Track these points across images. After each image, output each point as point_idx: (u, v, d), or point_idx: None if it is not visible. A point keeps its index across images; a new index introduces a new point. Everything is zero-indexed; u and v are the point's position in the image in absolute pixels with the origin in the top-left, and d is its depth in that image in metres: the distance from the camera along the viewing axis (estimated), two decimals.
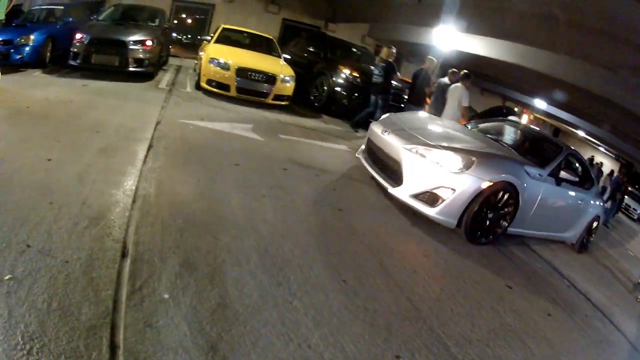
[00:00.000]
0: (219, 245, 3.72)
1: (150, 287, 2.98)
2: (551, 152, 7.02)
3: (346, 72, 12.29)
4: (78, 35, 10.56)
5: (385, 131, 6.16)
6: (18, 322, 2.41)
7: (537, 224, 6.59)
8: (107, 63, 10.62)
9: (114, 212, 3.85)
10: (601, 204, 8.18)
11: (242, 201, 4.74)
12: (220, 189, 4.94)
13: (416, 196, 5.49)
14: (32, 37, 11.15)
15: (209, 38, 12.71)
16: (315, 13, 23.01)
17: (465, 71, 10.77)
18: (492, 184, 5.35)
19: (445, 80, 11.13)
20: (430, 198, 5.40)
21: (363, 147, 6.92)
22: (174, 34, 22.22)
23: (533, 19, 11.99)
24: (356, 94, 11.88)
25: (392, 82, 11.34)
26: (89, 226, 3.51)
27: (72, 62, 10.59)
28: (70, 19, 13.31)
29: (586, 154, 24.99)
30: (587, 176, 7.80)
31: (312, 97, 12.53)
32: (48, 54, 11.75)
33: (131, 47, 10.62)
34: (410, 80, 12.28)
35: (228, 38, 12.60)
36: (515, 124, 9.40)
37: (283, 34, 22.41)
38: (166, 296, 2.93)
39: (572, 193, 7.04)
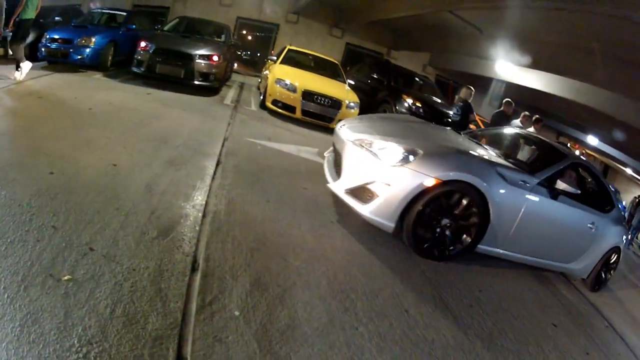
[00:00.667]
0: (290, 267, 3.73)
1: (220, 303, 3.00)
2: (550, 159, 5.92)
3: (409, 101, 12.21)
4: (143, 44, 10.73)
5: (343, 125, 5.70)
6: (75, 324, 2.40)
7: (523, 246, 5.41)
8: (171, 74, 10.69)
9: (184, 225, 3.86)
10: (623, 232, 6.85)
11: (311, 226, 4.68)
12: (290, 212, 4.86)
13: (351, 191, 4.76)
14: (93, 39, 11.45)
15: (274, 58, 12.77)
16: (378, 39, 23.45)
17: (537, 116, 10.98)
18: (438, 182, 4.41)
19: (518, 122, 10.95)
20: (364, 194, 4.64)
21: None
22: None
23: (591, 57, 12.12)
24: None
25: (469, 121, 11.42)
26: (158, 237, 3.53)
27: (135, 70, 10.78)
28: (134, 26, 13.55)
29: (634, 193, 23.96)
30: (603, 195, 6.61)
31: None
32: (110, 58, 11.93)
33: (197, 60, 10.73)
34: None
35: (293, 59, 12.68)
36: (517, 131, 7.99)
37: (346, 58, 22.44)
38: (237, 313, 2.94)
39: (579, 212, 5.73)
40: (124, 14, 14.69)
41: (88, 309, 2.52)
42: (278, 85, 10.26)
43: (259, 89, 13.82)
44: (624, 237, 6.94)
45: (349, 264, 4.16)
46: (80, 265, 2.88)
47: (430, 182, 4.37)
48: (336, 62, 13.72)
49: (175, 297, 2.87)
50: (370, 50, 23.56)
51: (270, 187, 5.34)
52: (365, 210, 4.56)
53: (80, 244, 3.11)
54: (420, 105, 11.92)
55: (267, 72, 12.21)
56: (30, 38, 10.11)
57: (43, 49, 11.49)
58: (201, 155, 5.83)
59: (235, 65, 16.83)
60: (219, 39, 12.98)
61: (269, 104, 10.46)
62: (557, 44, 13.44)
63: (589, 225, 5.91)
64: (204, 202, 4.42)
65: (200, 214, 4.13)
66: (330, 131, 9.57)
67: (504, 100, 11.35)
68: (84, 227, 3.35)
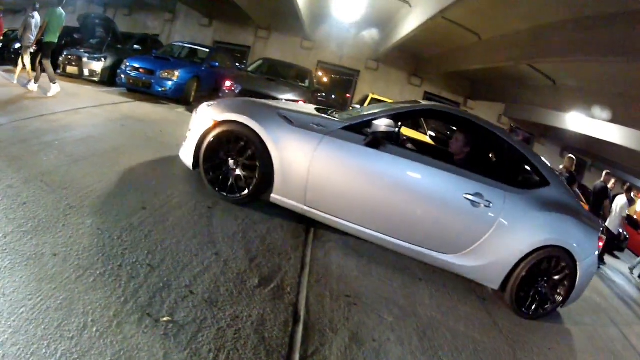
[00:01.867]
0: (384, 323, 3.84)
1: (321, 355, 3.11)
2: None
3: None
4: (228, 83, 10.99)
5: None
6: None
7: (344, 209, 4.81)
8: None
9: (284, 276, 3.96)
10: (579, 230, 4.91)
11: (402, 282, 4.78)
12: (382, 268, 4.94)
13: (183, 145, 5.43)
14: (176, 73, 12.01)
15: (357, 107, 12.78)
16: (455, 89, 23.91)
17: (629, 184, 11.97)
18: (215, 122, 4.86)
19: (601, 182, 11.54)
20: (184, 141, 5.40)
21: None
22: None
23: None
24: None
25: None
26: (260, 286, 3.64)
27: None
28: (217, 63, 13.93)
29: None
30: (518, 164, 5.38)
31: None
32: (193, 93, 12.19)
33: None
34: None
35: None
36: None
37: None
38: None
39: (439, 174, 4.68)
40: (207, 50, 15.34)
41: (190, 353, 2.60)
42: None
43: None
44: (587, 238, 4.92)
45: (436, 321, 4.24)
46: (180, 308, 2.97)
47: (209, 123, 4.90)
48: None
49: (278, 347, 2.97)
50: (447, 100, 23.63)
51: (362, 243, 5.26)
52: (180, 153, 5.43)
53: (179, 286, 3.22)
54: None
55: None
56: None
57: (123, 76, 12.15)
58: None
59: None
60: (302, 84, 13.21)
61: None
62: (630, 96, 13.58)
63: (466, 196, 4.60)
64: (301, 254, 4.49)
65: (299, 265, 4.23)
66: None
67: (567, 156, 11.60)
68: (182, 269, 3.47)
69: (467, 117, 5.35)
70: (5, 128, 6.33)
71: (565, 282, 4.93)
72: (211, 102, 5.36)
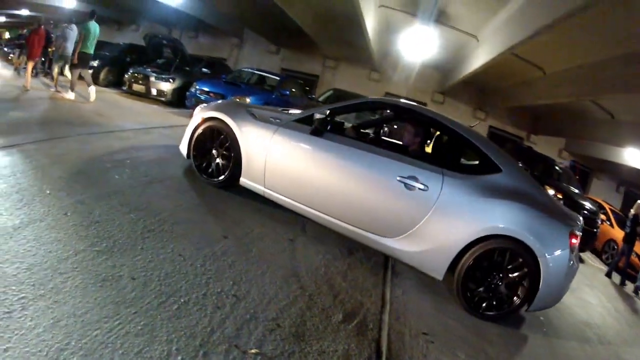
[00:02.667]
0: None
1: None
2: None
3: (551, 193, 11.69)
4: None
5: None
6: None
7: (293, 191, 5.24)
8: None
9: (367, 312, 3.97)
10: (535, 218, 4.51)
11: (473, 321, 4.63)
12: (454, 307, 4.82)
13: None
14: (247, 99, 12.15)
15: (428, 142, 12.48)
16: (518, 123, 23.79)
17: None
18: (202, 119, 5.87)
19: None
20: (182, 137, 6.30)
21: None
22: None
23: None
24: None
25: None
26: (344, 321, 3.66)
27: None
28: (287, 92, 13.96)
29: None
30: (460, 149, 5.31)
31: None
32: None
33: None
34: None
35: None
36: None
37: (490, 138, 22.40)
38: None
39: (372, 158, 4.87)
40: (276, 77, 15.41)
41: None
42: None
43: None
44: (552, 231, 4.53)
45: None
46: (268, 340, 2.98)
47: (199, 120, 5.91)
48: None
49: None
50: (511, 134, 23.38)
51: (437, 281, 5.05)
52: (180, 146, 6.24)
53: (266, 319, 3.23)
54: (561, 197, 11.68)
55: None
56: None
57: (193, 99, 12.29)
58: None
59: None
60: (372, 116, 12.96)
61: None
62: None
63: (400, 179, 4.67)
64: (381, 291, 4.50)
65: (380, 302, 4.25)
66: None
67: (637, 202, 11.80)
68: (269, 301, 3.50)
69: (409, 107, 5.64)
70: (71, 140, 6.56)
71: (525, 281, 4.51)
72: (204, 105, 6.61)
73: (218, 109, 5.85)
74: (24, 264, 3.01)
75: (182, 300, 3.05)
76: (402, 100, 6.03)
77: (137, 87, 14.62)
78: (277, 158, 5.27)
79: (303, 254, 4.67)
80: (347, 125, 6.15)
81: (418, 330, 3.98)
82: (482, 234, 4.44)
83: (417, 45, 14.22)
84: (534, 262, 4.39)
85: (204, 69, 16.87)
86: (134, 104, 12.96)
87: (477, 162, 5.12)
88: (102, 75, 16.65)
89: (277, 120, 5.42)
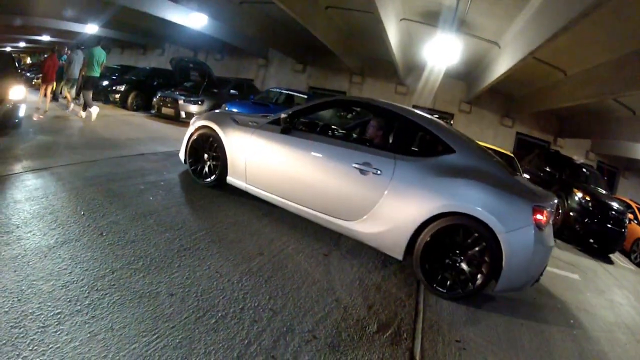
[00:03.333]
0: None
1: None
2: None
3: (579, 195, 12.01)
4: None
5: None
6: None
7: (275, 186, 5.78)
8: None
9: (400, 322, 4.01)
10: (492, 197, 4.53)
11: (505, 327, 4.66)
12: (486, 314, 4.84)
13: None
14: None
15: None
16: (544, 127, 23.35)
17: None
18: (196, 128, 6.65)
19: None
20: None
21: None
22: None
23: None
24: (588, 220, 11.71)
25: None
26: (378, 332, 3.70)
27: None
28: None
29: None
30: (411, 134, 5.59)
31: None
32: None
33: None
34: None
35: None
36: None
37: (517, 147, 22.10)
38: None
39: (334, 149, 5.31)
40: (304, 96, 15.55)
41: None
42: None
43: None
44: (511, 207, 4.51)
45: None
46: (303, 351, 3.04)
47: (194, 127, 6.68)
48: (512, 155, 13.64)
49: None
50: (537, 139, 23.05)
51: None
52: (180, 153, 7.02)
53: (302, 331, 3.30)
54: (589, 199, 12.02)
55: None
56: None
57: None
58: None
59: None
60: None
61: None
62: None
63: (355, 165, 5.04)
64: (414, 301, 4.52)
65: (413, 312, 4.28)
66: None
67: None
68: (304, 314, 3.57)
69: (365, 101, 6.18)
70: (103, 163, 6.79)
71: (486, 258, 4.53)
72: (197, 116, 7.29)
73: (207, 117, 6.67)
74: (59, 281, 3.14)
75: (219, 315, 3.13)
76: (360, 97, 6.71)
77: (166, 110, 14.93)
78: (255, 156, 5.91)
79: (338, 267, 4.76)
80: (320, 123, 6.58)
81: (451, 338, 4.00)
82: (435, 212, 4.57)
83: (441, 55, 14.23)
84: (493, 239, 4.43)
85: (232, 91, 17.09)
86: (163, 126, 13.25)
87: (430, 146, 5.51)
88: (130, 99, 17.16)
89: (254, 124, 6.09)
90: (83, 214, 4.47)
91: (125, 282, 3.29)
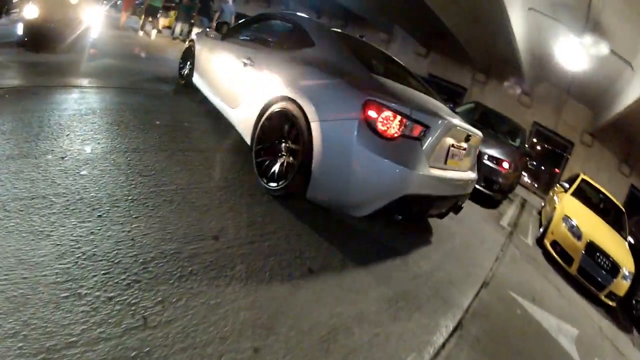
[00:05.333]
0: None
1: None
2: None
3: None
4: None
5: None
6: None
7: (202, 77, 7.37)
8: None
9: None
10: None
11: None
12: None
13: None
14: None
15: (566, 185, 11.61)
16: None
17: None
18: (188, 41, 9.06)
19: None
20: None
21: None
22: None
23: None
24: None
25: None
26: None
27: None
28: None
29: None
30: (295, 32, 5.71)
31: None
32: None
33: (486, 161, 9.70)
34: None
35: (584, 194, 11.78)
36: None
37: (629, 203, 19.73)
38: None
39: (235, 47, 6.30)
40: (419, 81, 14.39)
41: None
42: (564, 224, 9.16)
43: (540, 214, 12.99)
44: (337, 97, 4.16)
45: None
46: None
47: (186, 43, 8.78)
48: (623, 210, 12.20)
49: None
50: None
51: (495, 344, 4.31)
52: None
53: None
54: None
55: (555, 198, 11.51)
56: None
57: None
58: (441, 302, 4.48)
59: (524, 176, 15.86)
60: (512, 142, 11.70)
61: (547, 243, 9.26)
62: None
63: (243, 60, 5.64)
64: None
65: None
66: (593, 300, 8.46)
67: None
68: None
69: (272, 13, 6.78)
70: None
71: (297, 146, 4.22)
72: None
73: (196, 34, 8.32)
74: None
75: None
76: (276, 10, 7.37)
77: None
78: (202, 57, 7.39)
79: None
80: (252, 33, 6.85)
81: None
82: (273, 96, 4.66)
83: (569, 64, 13.20)
84: (308, 128, 4.11)
85: None
86: None
87: (302, 41, 5.30)
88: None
89: (213, 36, 7.31)
90: None
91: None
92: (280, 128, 4.50)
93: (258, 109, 4.87)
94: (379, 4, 19.90)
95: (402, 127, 3.89)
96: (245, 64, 5.49)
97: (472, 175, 5.40)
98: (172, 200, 3.78)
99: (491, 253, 7.13)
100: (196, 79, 7.57)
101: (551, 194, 13.13)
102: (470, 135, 4.92)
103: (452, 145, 4.59)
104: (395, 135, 3.85)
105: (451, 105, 14.27)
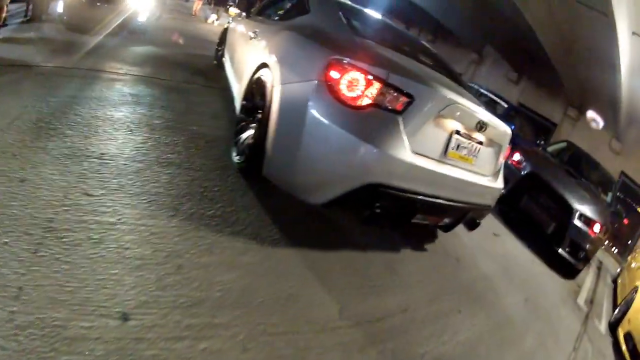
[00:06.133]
0: None
1: None
2: None
3: None
4: (516, 157, 8.77)
5: None
6: None
7: (230, 57, 7.12)
8: (536, 219, 8.31)
9: None
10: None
11: None
12: None
13: None
14: None
15: None
16: None
17: None
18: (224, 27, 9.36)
19: None
20: None
21: None
22: None
23: None
24: None
25: None
26: None
27: None
28: (513, 126, 11.58)
29: None
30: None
31: None
32: None
33: (576, 221, 7.78)
34: None
35: None
36: None
37: None
38: None
39: (248, 22, 6.51)
40: (505, 105, 13.46)
41: None
42: None
43: (614, 283, 10.53)
44: (304, 58, 3.67)
45: None
46: None
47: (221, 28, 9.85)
48: None
49: None
50: None
51: None
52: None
53: None
54: None
55: (635, 266, 9.28)
56: None
57: None
58: None
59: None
60: (604, 196, 9.85)
61: (620, 333, 6.57)
62: None
63: (250, 34, 5.55)
64: None
65: None
66: None
67: None
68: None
69: None
70: None
71: (259, 115, 3.85)
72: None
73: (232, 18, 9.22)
74: None
75: None
76: None
77: None
78: (229, 38, 7.63)
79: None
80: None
81: None
82: (257, 64, 4.40)
83: None
84: (271, 96, 3.67)
85: None
86: None
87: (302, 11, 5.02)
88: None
89: (241, 17, 7.54)
90: None
91: None
92: (256, 97, 4.22)
93: (247, 80, 4.59)
94: (472, 18, 19.12)
95: (375, 95, 3.10)
96: (251, 38, 5.37)
97: (494, 183, 4.25)
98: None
99: (563, 342, 5.27)
100: (225, 59, 7.70)
101: (630, 259, 11.00)
102: (483, 123, 3.73)
103: (458, 132, 3.57)
104: (364, 104, 3.09)
105: (541, 141, 12.76)
